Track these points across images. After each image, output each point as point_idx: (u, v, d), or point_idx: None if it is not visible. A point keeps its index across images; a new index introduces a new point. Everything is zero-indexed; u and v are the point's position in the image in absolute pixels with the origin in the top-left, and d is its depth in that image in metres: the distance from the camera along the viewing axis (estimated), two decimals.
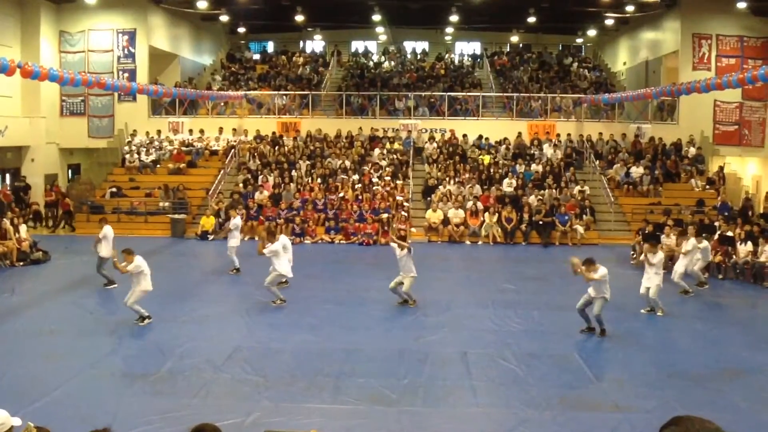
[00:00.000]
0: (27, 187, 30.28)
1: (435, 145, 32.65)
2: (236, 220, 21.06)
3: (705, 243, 19.30)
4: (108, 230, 18.54)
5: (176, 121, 34.02)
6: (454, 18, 38.40)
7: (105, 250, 18.11)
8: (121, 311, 15.49)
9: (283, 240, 17.89)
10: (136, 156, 32.13)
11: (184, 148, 32.62)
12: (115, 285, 17.95)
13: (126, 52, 33.76)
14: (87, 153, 34.68)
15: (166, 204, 29.12)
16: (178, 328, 14.36)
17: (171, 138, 33.44)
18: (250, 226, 27.43)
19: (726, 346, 13.62)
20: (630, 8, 33.90)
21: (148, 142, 33.07)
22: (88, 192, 31.02)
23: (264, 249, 16.57)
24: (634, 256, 22.62)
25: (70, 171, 35.29)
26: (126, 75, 32.88)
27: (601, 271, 13.93)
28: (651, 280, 16.09)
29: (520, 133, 33.02)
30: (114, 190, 30.23)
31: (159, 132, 33.49)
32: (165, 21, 35.82)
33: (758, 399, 10.74)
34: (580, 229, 26.94)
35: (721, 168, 30.72)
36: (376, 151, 31.99)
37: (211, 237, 26.97)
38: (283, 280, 17.16)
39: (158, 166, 32.04)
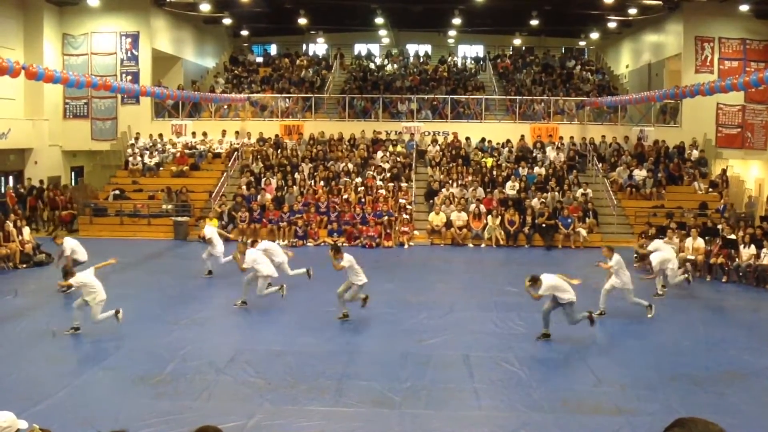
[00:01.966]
0: (42, 189, 30.24)
1: (438, 147, 32.63)
2: (207, 229, 20.88)
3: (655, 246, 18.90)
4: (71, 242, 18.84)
5: (179, 124, 34.08)
6: (456, 21, 38.41)
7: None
8: (123, 313, 15.52)
9: (263, 245, 18.02)
10: (139, 159, 32.17)
11: (187, 151, 32.65)
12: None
13: (129, 54, 33.84)
14: (90, 155, 34.74)
15: (169, 206, 29.12)
16: (181, 330, 14.37)
17: (174, 141, 33.47)
18: (253, 228, 27.50)
19: (728, 349, 13.60)
20: (632, 11, 33.91)
21: (151, 144, 33.10)
22: (81, 194, 31.09)
23: (243, 265, 16.72)
24: (637, 258, 22.62)
25: (73, 173, 35.35)
26: (129, 77, 32.91)
27: (546, 281, 13.78)
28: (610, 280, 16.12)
29: (522, 136, 33.01)
30: (117, 192, 30.25)
31: (161, 135, 33.50)
32: (168, 24, 35.88)
33: (761, 402, 10.73)
34: (583, 232, 26.94)
35: (724, 171, 30.71)
36: (379, 153, 31.98)
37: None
38: (275, 288, 17.03)
39: (161, 168, 32.08)
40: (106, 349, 13.03)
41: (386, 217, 27.18)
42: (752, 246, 20.59)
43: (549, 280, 13.75)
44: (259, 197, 29.03)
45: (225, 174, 31.34)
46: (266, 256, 17.04)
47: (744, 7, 30.91)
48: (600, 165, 31.31)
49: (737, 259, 20.72)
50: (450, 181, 29.96)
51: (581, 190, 29.06)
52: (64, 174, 34.10)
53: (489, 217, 27.46)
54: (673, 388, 11.20)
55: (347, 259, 15.18)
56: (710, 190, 29.60)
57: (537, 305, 15.29)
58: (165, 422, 9.54)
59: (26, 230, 23.06)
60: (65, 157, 34.38)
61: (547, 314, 13.98)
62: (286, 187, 29.60)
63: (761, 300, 18.66)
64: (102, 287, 14.20)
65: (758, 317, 17.06)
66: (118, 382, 11.26)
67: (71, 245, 18.67)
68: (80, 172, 35.54)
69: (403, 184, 29.89)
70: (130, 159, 32.27)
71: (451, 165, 31.15)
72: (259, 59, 43.96)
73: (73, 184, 34.05)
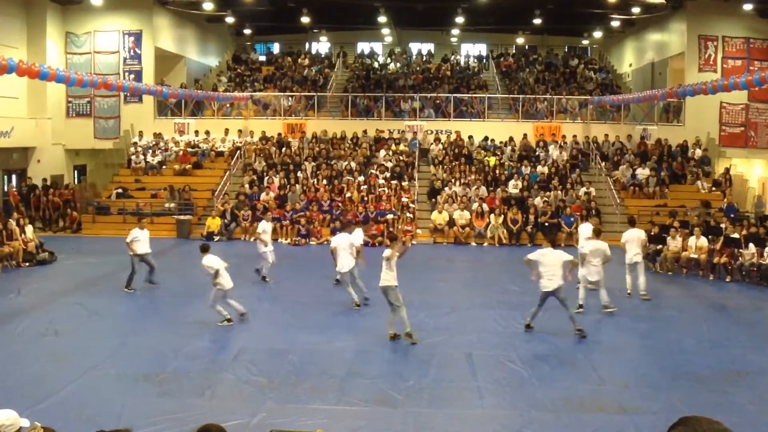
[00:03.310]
0: (48, 187, 30.25)
1: (440, 146, 32.65)
2: (262, 224, 19.96)
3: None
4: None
5: (182, 123, 34.09)
6: (459, 19, 38.45)
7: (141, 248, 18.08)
8: (127, 312, 15.55)
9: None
10: (141, 157, 32.17)
11: (189, 150, 32.67)
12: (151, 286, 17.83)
13: (132, 53, 33.83)
14: (93, 154, 34.75)
15: (172, 205, 29.15)
16: (184, 328, 14.37)
17: (177, 139, 33.48)
18: (256, 227, 27.52)
19: (732, 347, 13.58)
20: (636, 10, 33.87)
21: (153, 143, 33.10)
22: (84, 193, 31.11)
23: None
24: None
25: (76, 172, 35.36)
26: (132, 76, 32.91)
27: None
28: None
29: (525, 135, 32.99)
30: (120, 191, 30.29)
31: (160, 135, 33.45)
32: (171, 22, 35.88)
33: (764, 401, 10.70)
34: None
35: (727, 170, 30.65)
36: (382, 152, 31.99)
37: (216, 238, 26.97)
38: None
39: (164, 167, 32.09)
40: (110, 347, 13.01)
41: (389, 216, 27.18)
42: (751, 245, 20.55)
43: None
44: (262, 196, 29.03)
45: (228, 172, 31.35)
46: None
47: (748, 6, 30.84)
48: (603, 164, 31.30)
49: (740, 258, 20.69)
50: (453, 180, 29.95)
51: (584, 189, 29.05)
52: (67, 173, 34.10)
53: (492, 215, 27.46)
54: (677, 387, 11.18)
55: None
56: (713, 189, 29.56)
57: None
58: (168, 420, 9.53)
59: (29, 228, 23.03)
60: (68, 155, 34.40)
61: (564, 301, 14.23)
62: (288, 186, 29.60)
63: (765, 299, 18.63)
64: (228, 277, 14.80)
65: (762, 316, 17.03)
66: (122, 381, 11.25)
67: (134, 235, 18.24)
68: (83, 171, 35.55)
69: (406, 183, 29.88)
70: (133, 157, 32.28)
71: (453, 163, 31.14)
72: (262, 58, 44.02)
73: (75, 182, 34.05)
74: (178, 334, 13.87)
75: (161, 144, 33.12)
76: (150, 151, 32.51)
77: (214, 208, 28.50)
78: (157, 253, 23.91)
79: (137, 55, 33.85)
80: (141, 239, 18.17)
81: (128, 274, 18.02)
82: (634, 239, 17.98)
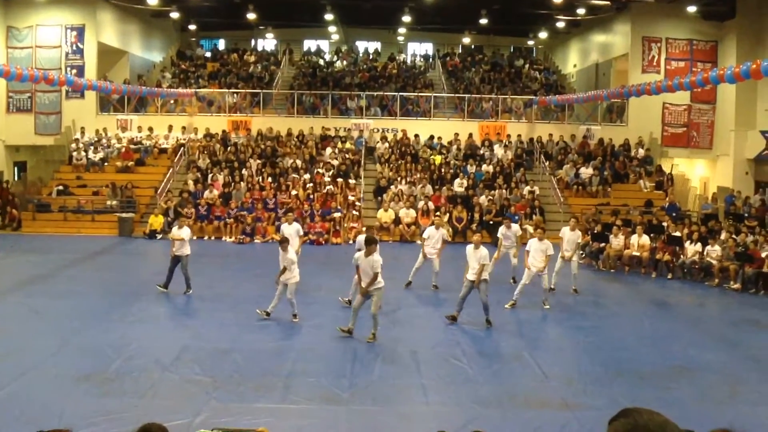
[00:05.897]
0: None
1: (387, 144, 32.66)
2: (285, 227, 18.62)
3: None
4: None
5: (125, 119, 33.58)
6: (406, 18, 38.47)
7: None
8: (68, 311, 15.26)
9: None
10: (83, 154, 31.62)
11: (132, 146, 32.19)
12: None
13: (74, 48, 33.21)
14: (34, 150, 34.05)
15: (114, 202, 28.69)
16: (126, 328, 14.15)
17: (120, 135, 32.97)
18: (199, 226, 27.27)
19: (673, 343, 13.82)
20: (581, 11, 34.21)
21: (96, 139, 32.56)
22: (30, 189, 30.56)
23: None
24: (584, 255, 22.88)
25: (16, 168, 34.66)
26: (74, 71, 32.33)
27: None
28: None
29: (471, 134, 33.15)
30: (61, 188, 29.71)
31: (105, 130, 32.90)
32: (114, 17, 35.26)
33: (705, 396, 10.91)
34: (530, 228, 27.12)
35: (660, 167, 31.12)
36: (328, 150, 31.91)
37: (159, 236, 26.65)
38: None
39: (106, 164, 31.56)
40: (49, 346, 12.76)
41: (335, 214, 27.13)
42: (698, 243, 20.92)
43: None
44: (206, 193, 28.75)
45: (171, 170, 30.97)
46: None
47: (691, 9, 31.33)
48: (547, 163, 31.61)
49: (682, 256, 21.04)
50: (399, 178, 30.01)
51: (528, 188, 29.33)
52: (7, 169, 33.38)
53: (437, 213, 27.55)
54: (620, 383, 11.34)
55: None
56: (656, 188, 30.03)
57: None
58: (110, 421, 9.37)
59: None
60: (8, 151, 33.67)
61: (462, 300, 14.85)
62: (233, 183, 29.37)
63: (705, 296, 19.01)
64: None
65: (703, 312, 17.37)
66: (62, 381, 11.03)
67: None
68: (23, 167, 34.85)
69: (352, 181, 29.85)
70: (75, 154, 31.70)
71: (399, 162, 31.19)
72: (208, 54, 43.57)
73: (15, 179, 33.38)
74: (119, 334, 13.63)
75: (103, 140, 32.57)
76: (92, 147, 31.96)
77: (157, 206, 28.15)
78: (99, 252, 23.66)
79: (80, 50, 33.23)
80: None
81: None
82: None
